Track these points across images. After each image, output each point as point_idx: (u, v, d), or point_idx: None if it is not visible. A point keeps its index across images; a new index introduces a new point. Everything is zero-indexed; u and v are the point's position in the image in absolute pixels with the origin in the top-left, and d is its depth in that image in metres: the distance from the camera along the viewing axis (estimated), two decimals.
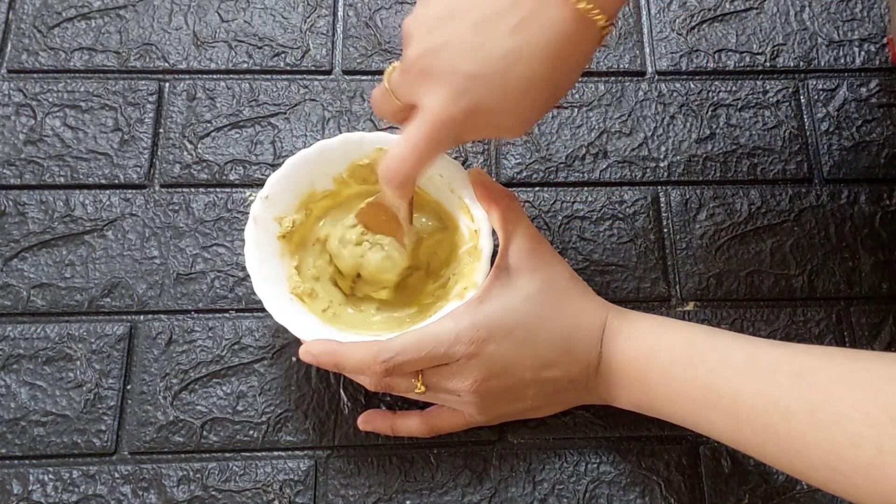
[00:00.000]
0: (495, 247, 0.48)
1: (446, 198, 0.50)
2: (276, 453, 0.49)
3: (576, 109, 0.59)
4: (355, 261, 0.49)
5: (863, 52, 0.61)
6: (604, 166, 0.57)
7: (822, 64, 0.61)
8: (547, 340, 0.45)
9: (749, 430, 0.39)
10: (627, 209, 0.56)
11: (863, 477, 0.34)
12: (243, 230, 0.48)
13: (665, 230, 0.56)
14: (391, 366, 0.43)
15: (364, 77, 0.60)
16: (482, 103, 0.40)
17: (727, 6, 0.63)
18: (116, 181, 0.56)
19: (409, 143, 0.41)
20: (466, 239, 0.50)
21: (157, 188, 0.56)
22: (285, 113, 0.58)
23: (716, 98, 0.60)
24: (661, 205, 0.56)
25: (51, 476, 0.48)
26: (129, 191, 0.56)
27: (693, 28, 0.62)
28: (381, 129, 0.58)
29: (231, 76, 0.59)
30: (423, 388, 0.45)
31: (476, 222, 0.49)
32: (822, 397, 0.36)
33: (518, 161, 0.57)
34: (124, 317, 0.52)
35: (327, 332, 0.46)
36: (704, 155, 0.58)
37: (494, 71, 0.39)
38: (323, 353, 0.44)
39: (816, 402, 0.36)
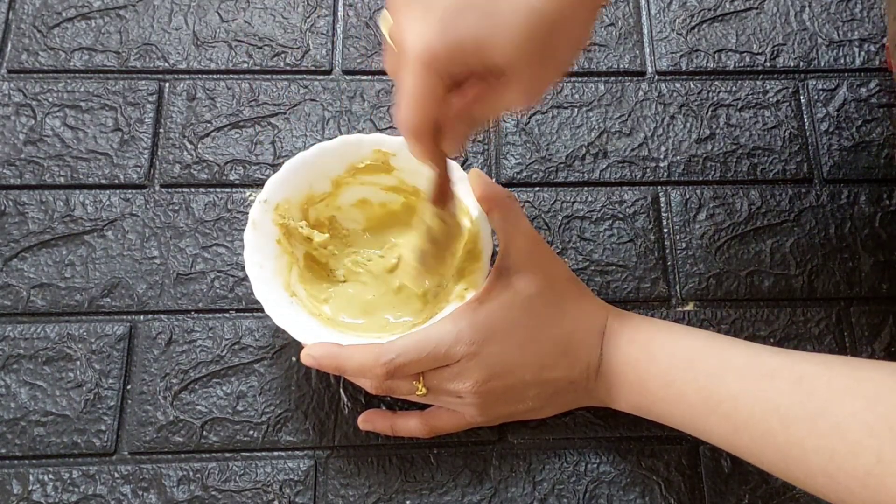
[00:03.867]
0: (495, 248, 0.48)
1: None
2: (276, 453, 0.49)
3: (576, 109, 0.59)
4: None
5: (863, 52, 0.61)
6: (604, 166, 0.57)
7: (822, 64, 0.61)
8: (547, 341, 0.45)
9: (747, 436, 0.39)
10: (627, 209, 0.56)
11: (861, 485, 0.34)
12: (243, 230, 0.48)
13: (665, 230, 0.56)
14: (392, 368, 0.43)
15: (364, 77, 0.60)
16: (468, 35, 0.35)
17: (727, 6, 0.63)
18: (116, 181, 0.56)
19: (404, 93, 0.37)
20: (465, 240, 0.50)
21: (157, 188, 0.56)
22: (285, 113, 0.58)
23: (716, 98, 0.60)
24: (661, 205, 0.56)
25: (51, 476, 0.48)
26: (129, 191, 0.56)
27: (693, 28, 0.62)
28: (381, 130, 0.58)
29: (231, 76, 0.59)
30: (424, 391, 0.45)
31: (475, 223, 0.49)
32: (822, 405, 0.36)
33: (518, 161, 0.57)
34: (124, 317, 0.52)
35: (328, 335, 0.46)
36: (704, 155, 0.58)
37: (485, 2, 0.35)
38: (324, 356, 0.44)
39: (816, 410, 0.36)
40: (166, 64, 0.59)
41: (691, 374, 0.42)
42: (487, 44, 0.35)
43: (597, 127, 0.59)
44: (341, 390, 0.50)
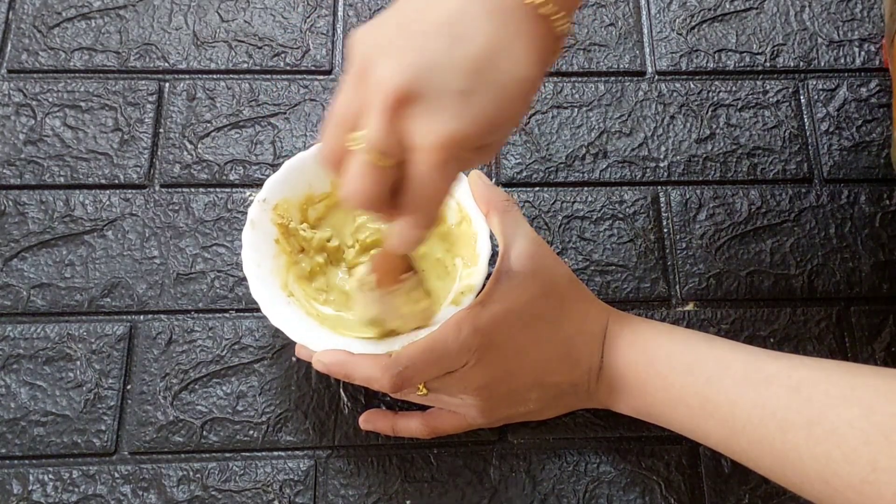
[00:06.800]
0: (494, 250, 0.48)
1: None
2: (276, 453, 0.49)
3: (576, 109, 0.59)
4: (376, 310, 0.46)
5: (863, 52, 0.61)
6: (604, 166, 0.57)
7: (822, 64, 0.61)
8: (549, 344, 0.45)
9: (745, 441, 0.39)
10: (627, 209, 0.56)
11: (856, 493, 0.34)
12: (243, 230, 0.48)
13: (665, 230, 0.56)
14: (400, 380, 0.43)
15: None
16: (486, 115, 0.33)
17: (727, 6, 0.63)
18: (116, 181, 0.56)
19: (427, 193, 0.34)
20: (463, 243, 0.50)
21: (157, 188, 0.56)
22: (285, 113, 0.58)
23: (716, 98, 0.60)
24: (661, 205, 0.56)
25: (51, 476, 0.48)
26: (129, 191, 0.56)
27: (693, 28, 0.62)
28: None
29: (231, 76, 0.59)
30: (425, 392, 0.45)
31: (473, 226, 0.49)
32: (819, 412, 0.37)
33: (518, 161, 0.57)
34: (124, 317, 0.52)
35: (324, 336, 0.46)
36: (704, 155, 0.58)
37: (489, 80, 0.33)
38: (333, 364, 0.45)
39: (813, 417, 0.37)
40: (166, 64, 0.59)
41: (690, 378, 0.42)
42: (504, 122, 0.35)
43: (597, 127, 0.59)
44: (341, 390, 0.50)
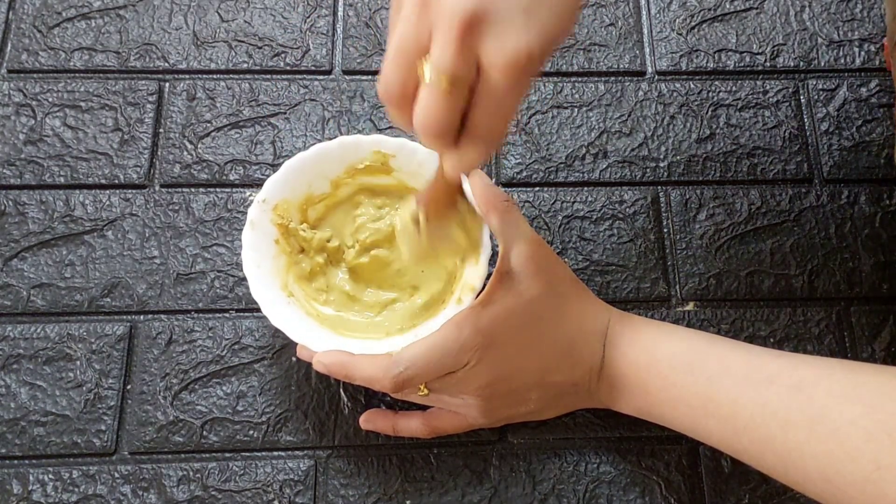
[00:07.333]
0: (494, 250, 0.48)
1: None
2: (276, 453, 0.49)
3: (576, 109, 0.59)
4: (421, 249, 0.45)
5: (863, 52, 0.61)
6: (604, 166, 0.57)
7: (822, 64, 0.61)
8: (550, 344, 0.45)
9: (747, 440, 0.39)
10: (627, 209, 0.56)
11: (859, 491, 0.34)
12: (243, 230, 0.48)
13: (665, 230, 0.56)
14: (400, 381, 0.43)
15: (364, 77, 0.60)
16: (550, 28, 0.33)
17: (727, 6, 0.63)
18: (116, 181, 0.56)
19: (501, 111, 0.34)
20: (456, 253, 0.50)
21: (157, 188, 0.56)
22: (285, 113, 0.58)
23: (716, 98, 0.60)
24: (661, 205, 0.56)
25: (51, 476, 0.48)
26: (129, 191, 0.56)
27: (693, 28, 0.62)
28: (381, 131, 0.58)
29: (231, 76, 0.59)
30: (426, 392, 0.45)
31: (472, 231, 0.48)
32: (821, 410, 0.37)
33: (518, 161, 0.57)
34: (124, 317, 0.52)
35: (324, 336, 0.46)
36: (704, 155, 0.58)
37: None
38: (334, 364, 0.45)
39: (815, 415, 0.37)
40: (166, 64, 0.59)
41: (691, 377, 0.42)
42: (564, 30, 0.34)
43: (597, 127, 0.59)
44: (341, 390, 0.50)
